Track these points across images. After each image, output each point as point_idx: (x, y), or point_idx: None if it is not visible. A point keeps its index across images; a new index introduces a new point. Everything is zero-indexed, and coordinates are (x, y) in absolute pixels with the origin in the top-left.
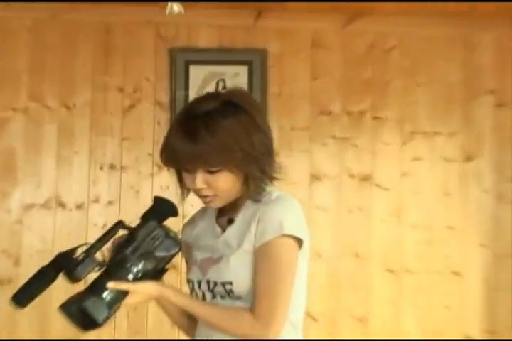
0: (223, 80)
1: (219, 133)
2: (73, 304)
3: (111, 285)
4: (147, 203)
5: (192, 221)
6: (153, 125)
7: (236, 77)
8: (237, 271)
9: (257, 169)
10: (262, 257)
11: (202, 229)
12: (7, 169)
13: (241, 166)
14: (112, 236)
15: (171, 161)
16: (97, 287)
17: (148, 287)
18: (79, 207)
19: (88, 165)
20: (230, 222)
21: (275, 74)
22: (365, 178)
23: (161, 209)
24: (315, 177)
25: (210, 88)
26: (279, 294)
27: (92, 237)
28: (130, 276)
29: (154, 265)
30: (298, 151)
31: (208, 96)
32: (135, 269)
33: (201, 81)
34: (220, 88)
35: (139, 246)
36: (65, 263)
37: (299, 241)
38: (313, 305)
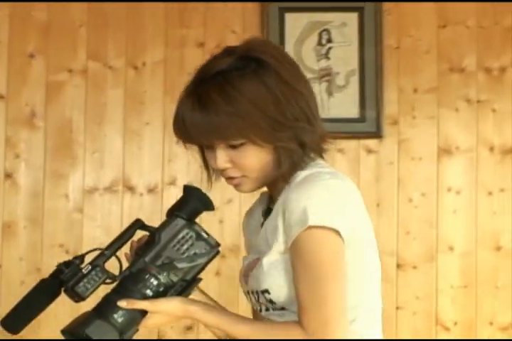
0: (327, 31)
1: (235, 98)
2: (76, 328)
3: (123, 304)
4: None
5: (250, 211)
6: None
7: (343, 27)
8: (271, 277)
9: (290, 140)
10: (295, 258)
11: (253, 222)
12: (63, 145)
13: (268, 137)
14: (127, 240)
15: (183, 135)
16: (106, 307)
17: (171, 305)
18: (151, 190)
19: (162, 140)
20: (268, 212)
21: (392, 22)
22: (508, 151)
23: (191, 202)
24: (444, 151)
25: (311, 42)
26: (326, 301)
27: None
28: (148, 292)
29: (181, 276)
30: (422, 118)
31: (224, 52)
32: (155, 282)
33: (299, 33)
34: (324, 41)
35: (161, 252)
36: (67, 277)
37: (337, 232)
38: (443, 311)
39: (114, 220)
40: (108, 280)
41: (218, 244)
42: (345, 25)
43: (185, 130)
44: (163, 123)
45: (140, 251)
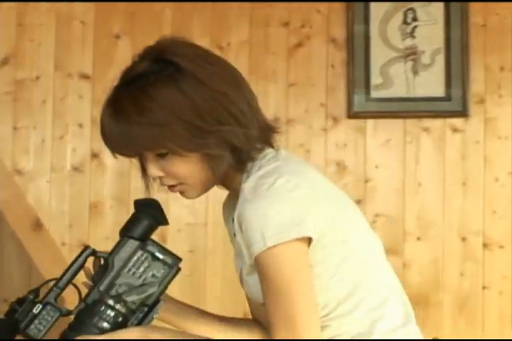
0: (413, 10)
1: (147, 106)
2: None
3: None
4: (319, 164)
5: (224, 205)
6: (326, 68)
7: (428, 6)
8: (255, 291)
9: (216, 146)
10: (259, 276)
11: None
12: None
13: (189, 145)
14: (79, 270)
15: (107, 145)
16: None
17: (130, 333)
18: None
19: None
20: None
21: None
22: None
23: (142, 219)
24: None
25: (397, 21)
26: (295, 317)
27: None
28: (106, 325)
29: (140, 301)
30: (509, 97)
31: (141, 54)
32: (112, 313)
33: (384, 12)
34: (409, 20)
35: (116, 280)
36: (21, 317)
37: (300, 239)
38: None
39: (200, 199)
40: (65, 315)
41: (178, 261)
42: (430, 3)
43: (106, 140)
44: None
45: (96, 277)
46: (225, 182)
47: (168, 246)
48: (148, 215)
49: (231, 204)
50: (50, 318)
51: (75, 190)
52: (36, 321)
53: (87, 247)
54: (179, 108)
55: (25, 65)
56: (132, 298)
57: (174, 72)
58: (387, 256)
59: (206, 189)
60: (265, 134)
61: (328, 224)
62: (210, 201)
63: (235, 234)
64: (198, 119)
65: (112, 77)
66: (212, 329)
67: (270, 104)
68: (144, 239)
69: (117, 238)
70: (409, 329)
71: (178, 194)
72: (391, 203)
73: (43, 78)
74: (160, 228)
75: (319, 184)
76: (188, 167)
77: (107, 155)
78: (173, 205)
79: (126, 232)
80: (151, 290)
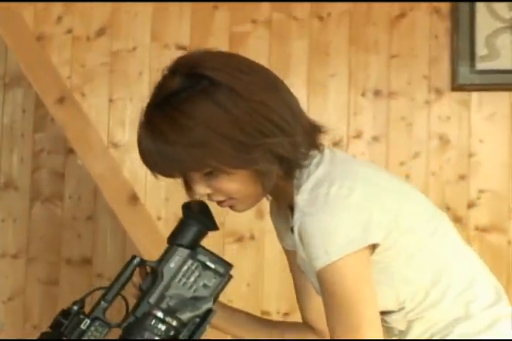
0: None
1: (186, 125)
2: None
3: None
4: (422, 137)
5: (272, 210)
6: (429, 39)
7: None
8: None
9: (263, 160)
10: (321, 288)
11: (281, 225)
12: None
13: (235, 162)
14: (127, 281)
15: (148, 167)
16: None
17: None
18: (336, 144)
19: (347, 91)
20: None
21: None
22: None
23: (191, 226)
24: None
25: None
26: (358, 329)
27: None
28: (157, 339)
29: (193, 314)
30: None
31: (174, 67)
32: (163, 327)
33: None
34: None
35: (166, 292)
36: (67, 331)
37: (364, 248)
38: None
39: None
40: (114, 328)
41: (229, 268)
42: None
43: (147, 163)
44: (348, 75)
45: (144, 285)
46: (273, 192)
47: (265, 224)
48: (197, 221)
49: (282, 214)
50: (98, 334)
51: None
52: (85, 337)
53: (134, 257)
54: (219, 123)
55: (121, 36)
56: (186, 316)
57: (208, 85)
58: (491, 233)
59: (256, 201)
60: (310, 137)
61: (392, 220)
62: None
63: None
64: (240, 134)
65: (209, 48)
66: (265, 335)
67: (371, 76)
68: (194, 247)
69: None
70: (503, 306)
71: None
72: (496, 179)
73: (139, 49)
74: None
75: (373, 178)
76: (236, 183)
77: None
78: None
79: (174, 240)
80: (205, 307)
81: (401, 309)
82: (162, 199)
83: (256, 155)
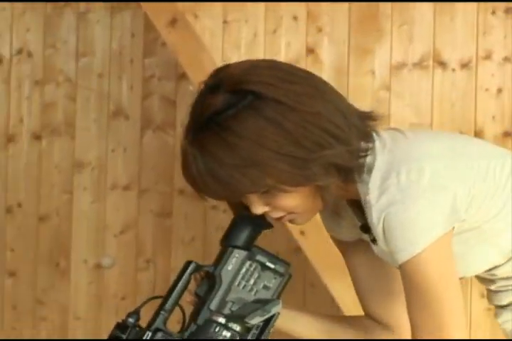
0: None
1: (236, 145)
2: None
3: None
4: None
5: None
6: None
7: None
8: None
9: (323, 174)
10: (403, 281)
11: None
12: (368, 18)
13: (294, 180)
14: (185, 288)
15: (196, 189)
16: None
17: None
18: (464, 66)
19: (476, 10)
20: (365, 229)
21: None
22: None
23: (244, 226)
24: None
25: None
26: (443, 324)
27: (482, 106)
28: None
29: (263, 318)
30: None
31: (211, 86)
32: (228, 334)
33: None
34: None
35: (227, 296)
36: None
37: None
38: None
39: (424, 98)
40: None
41: (288, 267)
42: None
43: (196, 185)
44: None
45: (200, 291)
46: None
47: None
48: (250, 220)
49: (339, 211)
50: None
51: None
52: None
53: (189, 262)
54: (271, 140)
55: None
56: (256, 321)
57: (254, 100)
58: None
59: (316, 213)
60: (366, 133)
61: (471, 187)
62: None
63: (374, 240)
64: (296, 149)
65: None
66: (329, 334)
67: None
68: (250, 248)
69: None
70: None
71: None
72: None
73: None
74: None
75: (437, 151)
76: (295, 200)
77: (323, 50)
78: (395, 103)
79: (229, 241)
80: (274, 310)
81: (510, 259)
82: None
83: (315, 170)
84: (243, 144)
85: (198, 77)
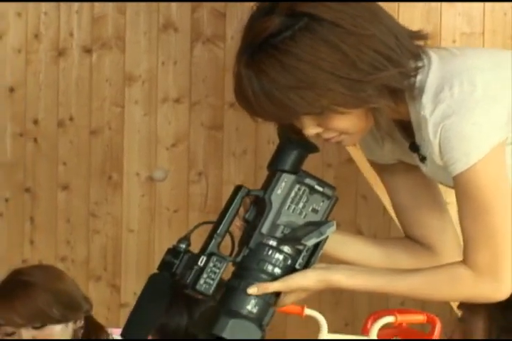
0: None
1: (294, 67)
2: (212, 332)
3: (253, 291)
4: None
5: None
6: None
7: None
8: None
9: (378, 96)
10: (457, 193)
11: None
12: None
13: (350, 102)
14: (236, 212)
15: (250, 111)
16: (234, 299)
17: (309, 281)
18: None
19: None
20: (414, 148)
21: None
22: None
23: (291, 149)
24: None
25: None
26: (496, 235)
27: None
28: (277, 270)
29: (319, 239)
30: None
31: (266, 9)
32: (281, 257)
33: None
34: None
35: (277, 220)
36: (180, 271)
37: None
38: None
39: (476, 7)
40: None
41: (334, 190)
42: None
43: (251, 107)
44: None
45: (250, 217)
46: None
47: None
48: (296, 144)
49: (387, 132)
50: (218, 270)
51: None
52: (204, 275)
53: (240, 186)
54: (328, 61)
55: None
56: (312, 242)
57: (310, 22)
58: None
59: (365, 134)
60: (416, 53)
61: None
62: None
63: (423, 159)
64: (353, 71)
65: None
66: (376, 257)
67: None
68: (297, 171)
69: None
70: None
71: None
72: None
73: None
74: None
75: (487, 62)
76: (349, 122)
77: None
78: None
79: (276, 166)
80: (329, 231)
81: None
82: None
83: (370, 92)
84: (300, 66)
85: None
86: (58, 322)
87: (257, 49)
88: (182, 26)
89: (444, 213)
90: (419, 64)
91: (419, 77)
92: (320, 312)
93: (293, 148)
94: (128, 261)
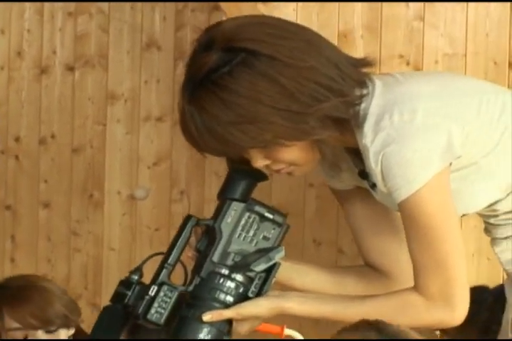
0: None
1: (233, 102)
2: None
3: (206, 318)
4: None
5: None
6: None
7: None
8: None
9: (321, 127)
10: (404, 219)
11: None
12: None
13: (292, 134)
14: (186, 242)
15: (196, 147)
16: (187, 329)
17: (261, 309)
18: None
19: None
20: (364, 175)
21: None
22: None
23: (240, 178)
24: None
25: None
26: (446, 262)
27: None
28: (229, 298)
29: (267, 265)
30: None
31: (204, 45)
32: (233, 285)
33: None
34: None
35: (228, 248)
36: (132, 302)
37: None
38: None
39: (458, 28)
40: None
41: (285, 218)
42: None
43: (195, 143)
44: None
45: (201, 246)
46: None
47: None
48: (245, 173)
49: (337, 159)
50: (168, 300)
51: (323, 18)
52: (155, 304)
53: (189, 216)
54: (268, 95)
55: None
56: (260, 268)
57: (247, 57)
58: None
59: (315, 165)
60: (360, 81)
61: (466, 123)
62: None
63: (373, 185)
64: (292, 103)
65: None
66: (339, 285)
67: None
68: (246, 200)
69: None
70: None
71: None
72: None
73: None
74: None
75: (429, 91)
76: (295, 154)
77: None
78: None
79: (226, 195)
80: (277, 257)
81: (509, 193)
82: None
83: (312, 123)
84: (239, 101)
85: (231, 8)
86: (67, 327)
87: (198, 85)
88: (165, 45)
89: (403, 238)
90: (364, 91)
91: (363, 105)
92: (300, 332)
93: (242, 177)
94: (109, 280)
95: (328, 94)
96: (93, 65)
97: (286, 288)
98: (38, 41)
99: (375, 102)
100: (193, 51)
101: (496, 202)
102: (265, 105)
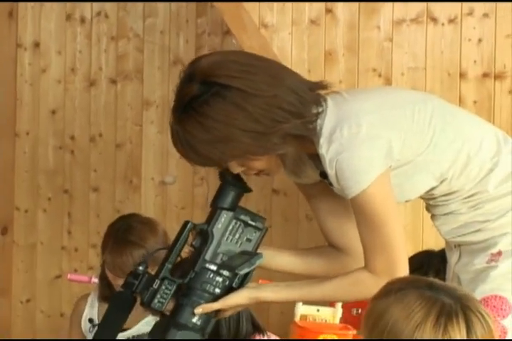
0: None
1: (209, 125)
2: None
3: (198, 311)
4: None
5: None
6: None
7: None
8: None
9: (282, 143)
10: (354, 211)
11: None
12: None
13: (258, 150)
14: (184, 245)
15: (186, 159)
16: (182, 314)
17: (242, 299)
18: (451, 21)
19: None
20: (324, 176)
21: None
22: None
23: (228, 190)
24: None
25: None
26: (390, 244)
27: (465, 53)
28: (217, 290)
29: (250, 269)
30: None
31: (190, 74)
32: (220, 279)
33: None
34: None
35: (218, 249)
36: (139, 289)
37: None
38: None
39: (419, 47)
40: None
41: (264, 221)
42: None
43: (185, 156)
44: None
45: (197, 244)
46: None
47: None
48: (234, 186)
49: (303, 162)
50: (169, 291)
51: (313, 40)
52: (158, 296)
53: (187, 222)
54: (238, 120)
55: None
56: (244, 271)
57: (221, 89)
58: None
59: (281, 170)
60: (316, 101)
61: (401, 135)
62: None
63: (331, 184)
64: (257, 125)
65: None
66: (307, 265)
67: None
68: (234, 208)
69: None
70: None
71: None
72: None
73: None
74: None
75: (372, 107)
76: (263, 164)
77: (339, 10)
78: (397, 53)
79: (217, 204)
80: (258, 262)
81: (442, 181)
82: (306, 70)
83: (274, 140)
84: (214, 125)
85: (239, 32)
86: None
87: (183, 110)
88: (188, 62)
89: None
90: (320, 109)
91: (319, 121)
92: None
93: (231, 189)
94: None
95: (288, 116)
96: (131, 79)
97: (266, 270)
98: (87, 60)
99: (328, 119)
100: (180, 80)
101: (432, 189)
102: (236, 128)
